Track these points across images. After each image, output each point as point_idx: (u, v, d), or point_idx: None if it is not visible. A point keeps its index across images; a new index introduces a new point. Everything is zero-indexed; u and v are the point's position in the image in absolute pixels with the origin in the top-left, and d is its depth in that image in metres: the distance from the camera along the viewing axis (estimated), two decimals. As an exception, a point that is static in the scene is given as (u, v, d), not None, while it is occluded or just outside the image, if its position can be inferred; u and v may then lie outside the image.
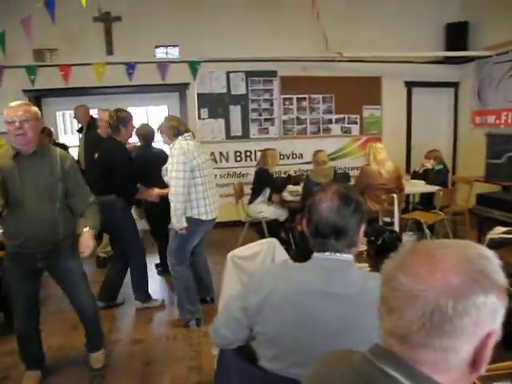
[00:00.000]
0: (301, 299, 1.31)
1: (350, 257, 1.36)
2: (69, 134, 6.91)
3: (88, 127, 5.54)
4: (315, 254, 1.38)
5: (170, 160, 3.34)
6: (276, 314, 1.33)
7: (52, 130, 5.76)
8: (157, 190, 3.84)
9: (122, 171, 3.62)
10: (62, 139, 6.34)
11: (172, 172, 3.26)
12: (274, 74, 6.53)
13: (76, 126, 6.05)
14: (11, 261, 2.67)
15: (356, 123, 6.90)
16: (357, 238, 1.37)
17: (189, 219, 3.39)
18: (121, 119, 3.70)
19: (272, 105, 6.60)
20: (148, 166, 4.14)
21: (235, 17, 6.19)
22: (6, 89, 5.80)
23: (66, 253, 2.73)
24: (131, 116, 3.82)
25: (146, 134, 4.55)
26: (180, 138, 3.39)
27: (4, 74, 5.84)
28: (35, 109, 2.57)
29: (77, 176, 2.75)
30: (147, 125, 4.83)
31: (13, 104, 2.50)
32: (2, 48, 5.26)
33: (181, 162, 3.25)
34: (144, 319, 3.81)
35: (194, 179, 3.36)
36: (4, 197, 2.42)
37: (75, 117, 5.71)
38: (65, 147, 5.29)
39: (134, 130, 4.09)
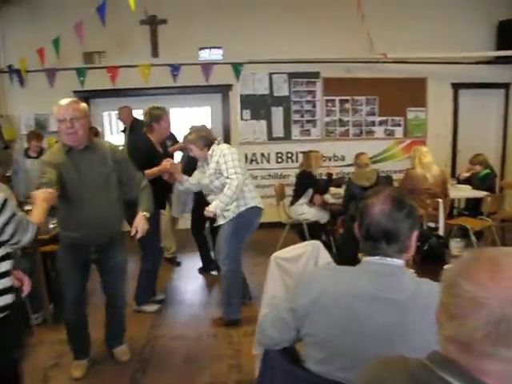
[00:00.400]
0: (350, 303, 1.30)
1: (400, 262, 1.34)
2: (114, 134, 7.12)
3: (131, 128, 5.70)
4: (365, 258, 1.37)
5: (220, 161, 3.35)
6: (325, 317, 1.33)
7: (99, 129, 5.96)
8: (168, 161, 3.68)
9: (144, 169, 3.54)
10: (107, 139, 6.54)
11: (229, 169, 3.29)
12: (316, 75, 6.49)
13: (121, 126, 6.22)
14: (65, 251, 2.75)
15: (400, 125, 6.76)
16: (409, 244, 1.34)
17: (249, 210, 3.47)
18: (153, 116, 3.75)
19: (314, 106, 6.56)
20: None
21: (278, 18, 6.19)
22: (57, 89, 6.05)
23: (117, 248, 2.85)
24: (165, 114, 3.83)
25: None
26: (215, 143, 3.47)
27: (56, 75, 6.11)
28: (84, 106, 2.65)
29: (128, 164, 2.87)
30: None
31: (62, 102, 2.56)
32: (56, 52, 5.49)
33: (236, 159, 3.34)
34: (185, 316, 3.87)
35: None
36: (60, 190, 2.47)
37: (119, 117, 5.87)
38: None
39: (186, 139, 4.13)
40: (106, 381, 2.92)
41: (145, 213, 2.79)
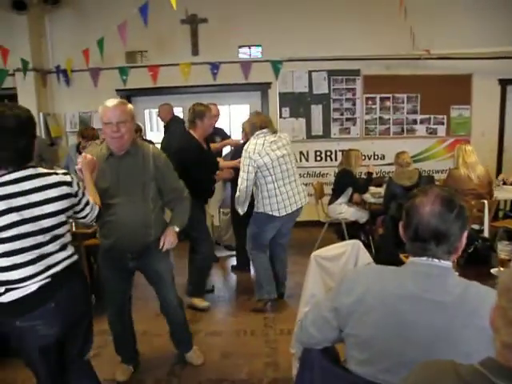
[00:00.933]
0: (396, 303, 1.27)
1: (448, 263, 1.30)
2: (155, 131, 7.27)
3: (169, 125, 5.79)
4: (411, 259, 1.34)
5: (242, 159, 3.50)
6: (369, 317, 1.30)
7: (141, 126, 6.09)
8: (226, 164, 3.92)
9: (195, 170, 3.54)
10: (148, 136, 6.68)
11: (240, 172, 3.45)
12: (357, 72, 6.39)
13: (161, 123, 6.33)
14: (104, 259, 2.72)
15: (443, 124, 6.55)
16: (458, 245, 1.30)
17: (261, 214, 3.54)
18: (197, 113, 3.69)
19: (354, 104, 6.46)
20: None
21: (318, 15, 6.14)
22: (100, 89, 6.25)
23: (157, 254, 2.67)
24: (209, 110, 3.76)
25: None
26: (254, 135, 3.48)
27: (100, 74, 6.29)
28: (130, 107, 2.50)
29: (170, 173, 2.69)
30: None
31: (109, 104, 2.42)
32: (100, 52, 5.66)
33: (246, 164, 3.40)
34: (222, 312, 3.92)
35: (265, 178, 3.45)
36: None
37: (159, 115, 5.98)
38: (151, 143, 5.57)
39: (241, 125, 4.20)
40: (145, 374, 2.96)
41: (176, 227, 2.68)
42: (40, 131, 6.14)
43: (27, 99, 6.14)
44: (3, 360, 3.09)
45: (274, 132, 3.56)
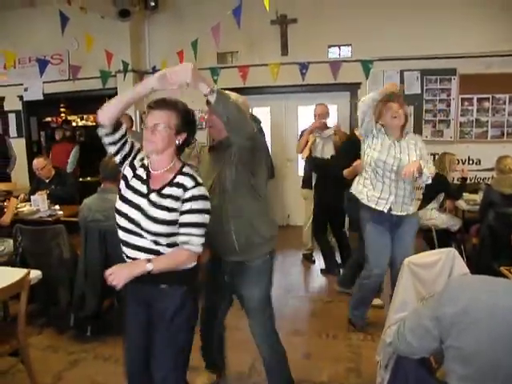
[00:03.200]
0: (506, 317, 1.18)
1: None
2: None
3: None
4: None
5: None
6: (475, 329, 1.22)
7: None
8: None
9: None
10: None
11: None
12: (452, 72, 6.04)
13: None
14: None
15: (551, 126, 6.01)
16: None
17: None
18: None
19: (449, 105, 6.12)
20: None
21: (410, 11, 5.88)
22: (192, 88, 6.47)
23: (250, 277, 2.37)
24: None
25: None
26: None
27: (192, 75, 6.56)
28: None
29: None
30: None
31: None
32: (194, 53, 5.90)
33: None
34: (305, 312, 3.90)
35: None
36: None
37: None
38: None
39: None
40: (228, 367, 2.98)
41: None
42: (136, 127, 6.55)
43: (126, 98, 6.57)
44: (103, 337, 3.40)
45: None
